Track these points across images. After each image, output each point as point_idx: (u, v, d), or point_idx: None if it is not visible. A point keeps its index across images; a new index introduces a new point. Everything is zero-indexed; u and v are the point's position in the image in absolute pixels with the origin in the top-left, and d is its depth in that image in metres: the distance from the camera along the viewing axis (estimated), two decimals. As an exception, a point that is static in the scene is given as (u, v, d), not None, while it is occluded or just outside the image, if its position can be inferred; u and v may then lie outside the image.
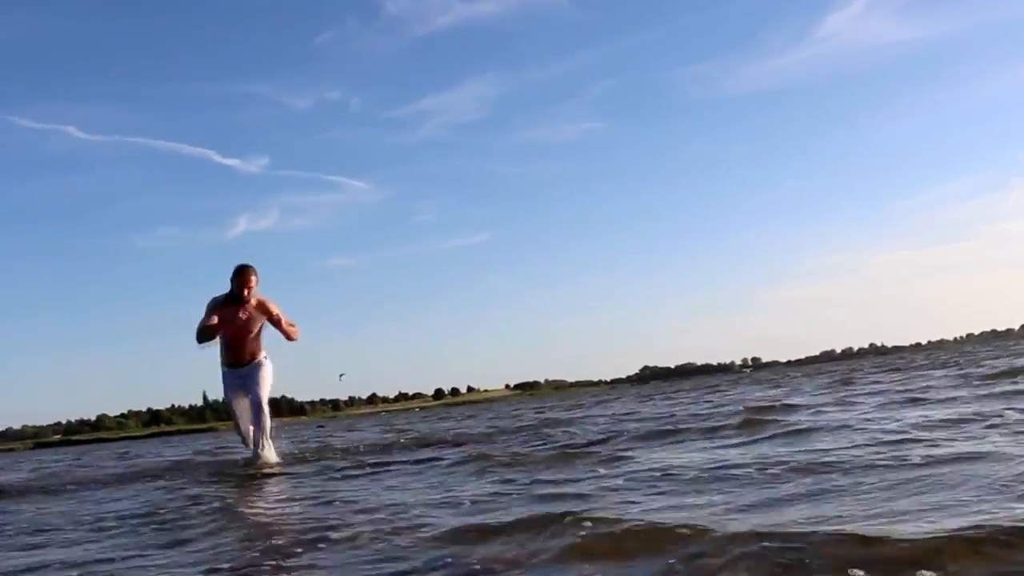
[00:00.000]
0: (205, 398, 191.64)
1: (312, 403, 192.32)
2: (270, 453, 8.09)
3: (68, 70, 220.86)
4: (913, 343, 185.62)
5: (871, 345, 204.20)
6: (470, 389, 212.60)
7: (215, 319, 7.79)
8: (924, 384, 11.20)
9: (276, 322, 8.06)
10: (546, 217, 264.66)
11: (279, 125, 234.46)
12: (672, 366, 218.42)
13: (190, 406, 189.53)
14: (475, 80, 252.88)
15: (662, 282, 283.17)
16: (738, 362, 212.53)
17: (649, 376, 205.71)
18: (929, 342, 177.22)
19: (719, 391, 20.96)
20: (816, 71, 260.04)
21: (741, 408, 9.86)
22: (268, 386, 8.19)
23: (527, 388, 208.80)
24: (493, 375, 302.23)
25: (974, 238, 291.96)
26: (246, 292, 7.92)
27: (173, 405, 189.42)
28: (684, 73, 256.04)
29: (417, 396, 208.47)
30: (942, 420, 5.72)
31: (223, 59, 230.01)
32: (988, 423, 5.25)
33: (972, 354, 28.52)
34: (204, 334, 7.82)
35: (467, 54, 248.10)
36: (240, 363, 8.14)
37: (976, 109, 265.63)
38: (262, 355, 8.24)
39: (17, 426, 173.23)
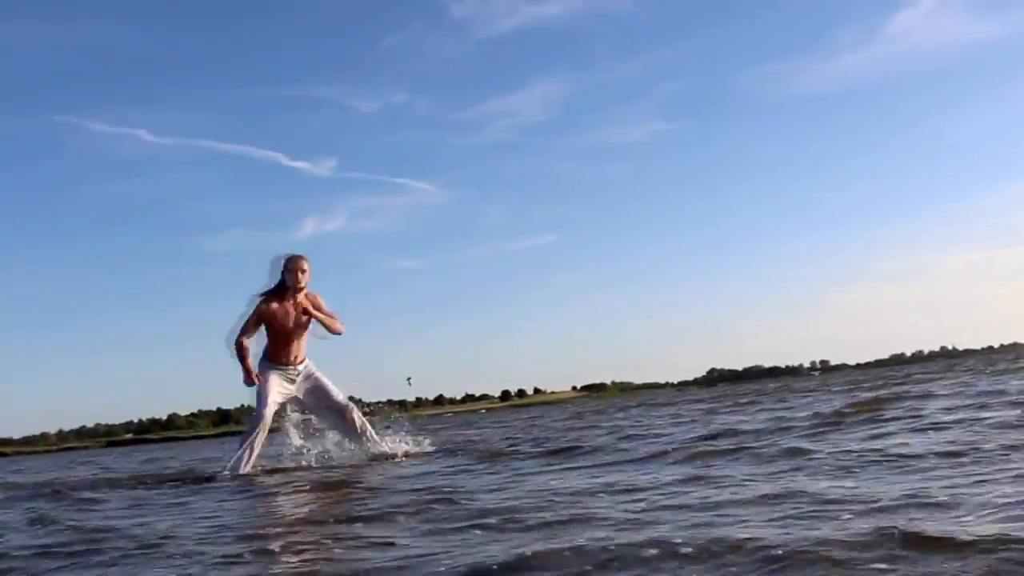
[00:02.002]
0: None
1: (379, 404, 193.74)
2: (381, 446, 7.75)
3: (139, 74, 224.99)
4: (985, 346, 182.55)
5: (942, 348, 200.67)
6: (536, 391, 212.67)
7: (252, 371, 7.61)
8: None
9: (320, 316, 7.70)
10: (613, 218, 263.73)
11: (346, 128, 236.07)
12: (740, 368, 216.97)
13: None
14: (541, 82, 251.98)
15: (731, 284, 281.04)
16: (806, 365, 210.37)
17: (716, 378, 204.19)
18: (1002, 345, 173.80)
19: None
20: (887, 70, 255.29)
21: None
22: (334, 386, 7.87)
23: (593, 390, 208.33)
24: (560, 376, 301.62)
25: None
26: (299, 278, 7.61)
27: (242, 405, 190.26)
28: (752, 73, 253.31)
29: (484, 397, 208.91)
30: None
31: (291, 63, 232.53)
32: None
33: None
34: (237, 349, 7.65)
35: (533, 56, 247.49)
36: (291, 362, 7.72)
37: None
38: (307, 358, 7.85)
39: (90, 424, 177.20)
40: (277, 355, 7.73)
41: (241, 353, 7.67)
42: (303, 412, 7.99)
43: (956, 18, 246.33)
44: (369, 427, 7.80)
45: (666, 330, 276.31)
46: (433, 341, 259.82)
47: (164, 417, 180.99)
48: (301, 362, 7.81)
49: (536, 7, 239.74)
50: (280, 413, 7.79)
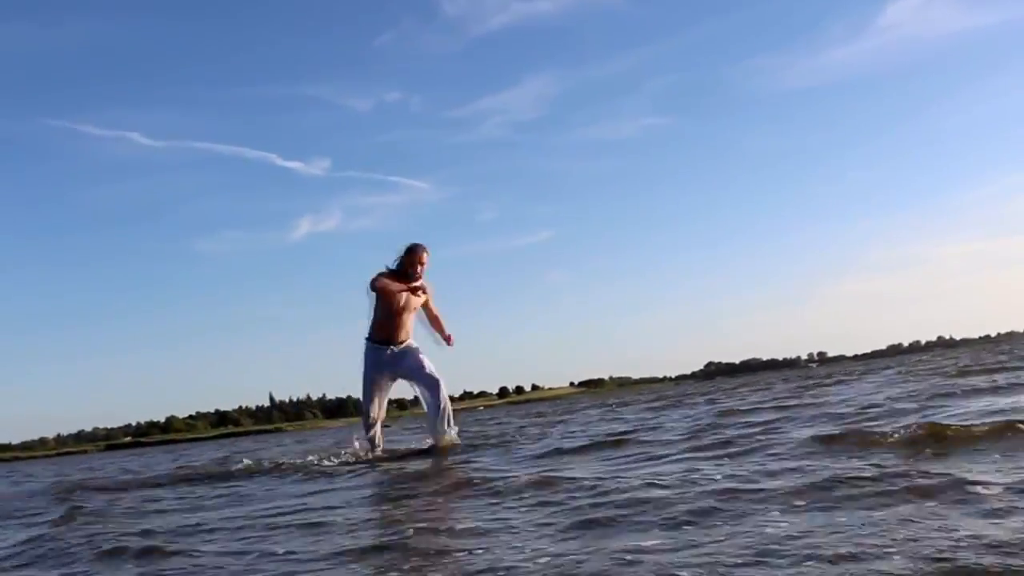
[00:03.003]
0: (271, 399, 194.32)
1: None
2: (452, 434, 8.05)
3: (131, 77, 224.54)
4: (982, 335, 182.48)
5: (939, 338, 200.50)
6: (534, 387, 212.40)
7: (391, 284, 7.84)
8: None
9: (429, 310, 8.25)
10: (608, 214, 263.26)
11: (340, 127, 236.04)
12: (737, 362, 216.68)
13: (257, 407, 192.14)
14: (534, 78, 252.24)
15: (728, 277, 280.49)
16: (804, 357, 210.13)
17: (714, 372, 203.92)
18: (999, 334, 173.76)
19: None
20: (878, 62, 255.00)
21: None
22: (432, 365, 8.16)
23: (591, 385, 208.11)
24: (557, 373, 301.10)
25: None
26: (418, 270, 8.00)
27: (240, 406, 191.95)
28: (744, 67, 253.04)
29: (482, 395, 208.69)
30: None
31: (283, 63, 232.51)
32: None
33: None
34: (377, 285, 7.85)
35: (525, 53, 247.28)
36: (393, 341, 8.06)
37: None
38: (412, 340, 8.19)
39: (89, 428, 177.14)
40: (380, 333, 8.11)
41: (382, 286, 7.89)
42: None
43: (946, 10, 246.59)
44: (450, 413, 8.08)
45: (664, 324, 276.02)
46: (430, 339, 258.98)
47: (163, 420, 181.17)
48: (403, 342, 8.14)
49: (527, 4, 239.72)
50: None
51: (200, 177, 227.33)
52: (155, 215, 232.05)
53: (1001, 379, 9.71)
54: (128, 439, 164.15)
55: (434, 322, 8.39)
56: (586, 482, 4.34)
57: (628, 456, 5.80)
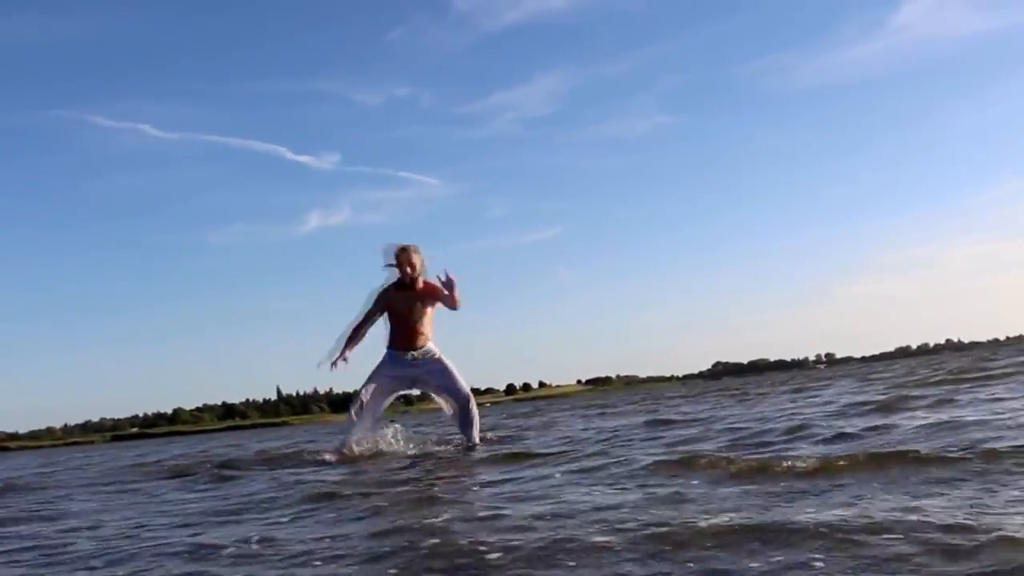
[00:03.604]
0: (279, 392, 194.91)
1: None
2: (477, 439, 7.90)
3: (143, 69, 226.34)
4: (991, 338, 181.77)
5: (948, 341, 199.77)
6: (541, 384, 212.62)
7: (346, 354, 7.90)
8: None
9: (442, 295, 7.84)
10: (618, 211, 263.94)
11: (350, 122, 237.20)
12: (745, 362, 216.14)
13: (264, 400, 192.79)
14: (545, 75, 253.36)
15: (737, 277, 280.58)
16: (812, 358, 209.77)
17: (721, 372, 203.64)
18: (1008, 337, 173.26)
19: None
20: (891, 62, 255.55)
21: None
22: (461, 376, 8.01)
23: (598, 383, 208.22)
24: (565, 370, 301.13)
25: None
26: (409, 271, 7.80)
27: (248, 399, 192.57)
28: (756, 66, 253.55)
29: (488, 391, 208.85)
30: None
31: (295, 57, 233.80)
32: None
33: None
34: (348, 333, 7.94)
35: (536, 49, 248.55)
36: (409, 346, 7.93)
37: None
38: (432, 343, 8.00)
39: (95, 419, 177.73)
40: (396, 342, 7.98)
41: (348, 337, 7.96)
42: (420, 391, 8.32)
43: (959, 11, 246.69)
44: (478, 421, 8.00)
45: (672, 323, 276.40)
46: (437, 335, 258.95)
47: (169, 411, 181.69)
48: (421, 347, 7.98)
49: (539, 1, 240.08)
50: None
51: (210, 170, 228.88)
52: (165, 207, 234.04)
53: (957, 394, 9.46)
54: (134, 430, 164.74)
55: (448, 299, 7.89)
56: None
57: (498, 474, 5.68)
